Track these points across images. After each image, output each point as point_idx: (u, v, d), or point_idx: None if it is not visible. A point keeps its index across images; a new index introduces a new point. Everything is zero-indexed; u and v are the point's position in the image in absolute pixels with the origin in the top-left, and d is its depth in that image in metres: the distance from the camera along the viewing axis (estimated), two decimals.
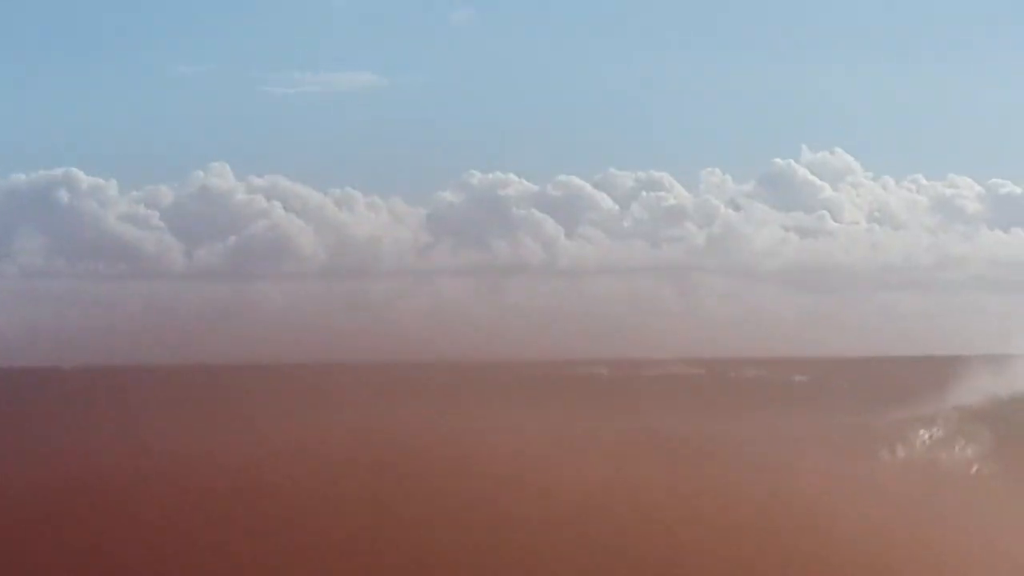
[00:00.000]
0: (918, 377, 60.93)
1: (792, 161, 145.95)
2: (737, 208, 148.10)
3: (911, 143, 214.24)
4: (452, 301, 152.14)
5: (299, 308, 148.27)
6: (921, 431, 37.02)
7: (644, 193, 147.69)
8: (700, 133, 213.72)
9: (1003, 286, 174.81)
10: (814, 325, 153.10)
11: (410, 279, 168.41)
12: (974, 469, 23.61)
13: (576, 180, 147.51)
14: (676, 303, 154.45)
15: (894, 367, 78.10)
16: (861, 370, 64.31)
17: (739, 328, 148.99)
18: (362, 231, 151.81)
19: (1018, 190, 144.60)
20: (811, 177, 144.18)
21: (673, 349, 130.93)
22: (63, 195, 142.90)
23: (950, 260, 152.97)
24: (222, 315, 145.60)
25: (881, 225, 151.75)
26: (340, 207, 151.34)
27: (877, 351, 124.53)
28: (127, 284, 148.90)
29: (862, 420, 39.08)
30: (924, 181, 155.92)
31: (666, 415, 42.08)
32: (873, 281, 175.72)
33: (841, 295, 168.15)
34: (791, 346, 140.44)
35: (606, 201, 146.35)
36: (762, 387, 46.97)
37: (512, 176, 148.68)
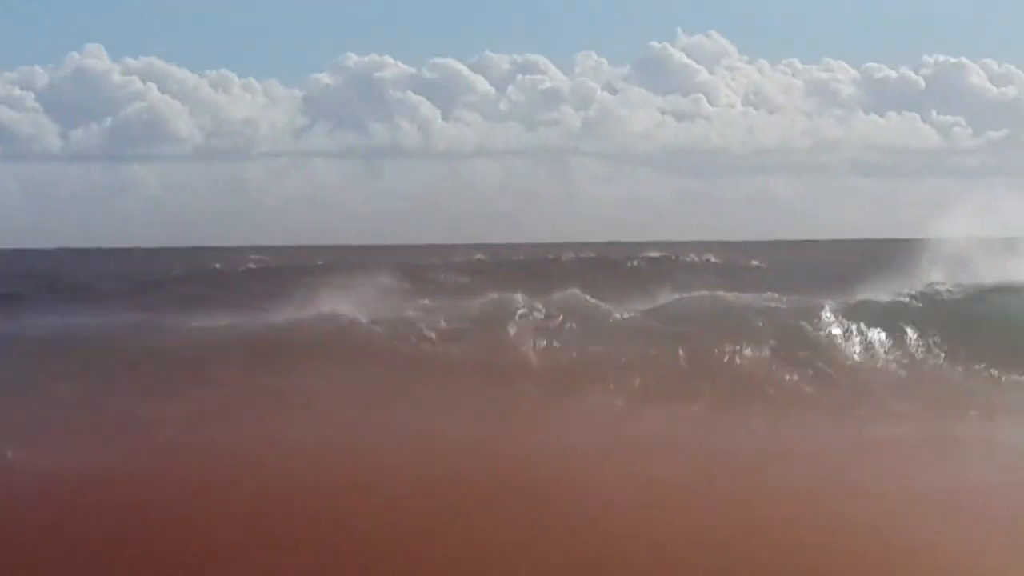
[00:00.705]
0: (819, 261, 60.01)
1: (668, 44, 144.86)
2: (614, 91, 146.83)
3: (786, 27, 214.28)
4: (328, 184, 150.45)
5: (175, 190, 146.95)
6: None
7: (520, 76, 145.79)
8: (575, 16, 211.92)
9: (877, 170, 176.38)
10: (692, 208, 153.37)
11: (286, 162, 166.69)
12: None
13: (452, 62, 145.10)
14: (553, 186, 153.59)
15: (776, 250, 77.46)
16: (753, 253, 63.49)
17: (619, 212, 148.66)
18: (238, 113, 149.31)
19: (893, 74, 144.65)
20: (687, 60, 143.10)
21: (550, 234, 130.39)
22: None
23: (825, 144, 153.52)
24: (99, 197, 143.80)
25: (757, 109, 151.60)
26: (216, 89, 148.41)
27: (754, 235, 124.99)
28: (1, 166, 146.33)
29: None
30: (799, 65, 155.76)
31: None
32: (749, 164, 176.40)
33: (717, 179, 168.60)
34: (671, 230, 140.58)
35: (482, 84, 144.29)
36: (666, 268, 45.73)
37: (388, 58, 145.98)
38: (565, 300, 22.50)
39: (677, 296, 23.76)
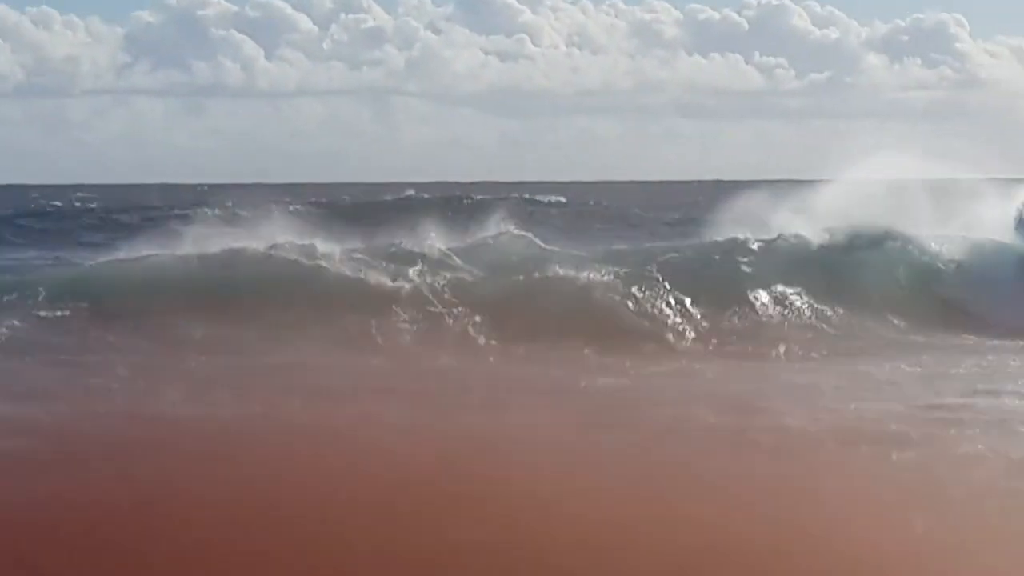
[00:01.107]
0: (648, 201, 60.09)
1: None
2: (437, 31, 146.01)
3: None
4: (151, 122, 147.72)
5: None
6: None
7: (343, 15, 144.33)
8: None
9: (701, 111, 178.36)
10: (516, 150, 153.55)
11: (109, 100, 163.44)
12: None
13: (275, 0, 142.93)
14: (376, 126, 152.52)
15: (606, 192, 77.63)
16: (588, 194, 63.44)
17: (440, 153, 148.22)
18: (60, 51, 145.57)
19: (716, 16, 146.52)
20: (510, 0, 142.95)
21: (373, 173, 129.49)
22: None
23: (648, 85, 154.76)
24: None
25: (580, 50, 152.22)
26: (37, 26, 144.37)
27: (579, 176, 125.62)
28: None
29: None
30: (622, 6, 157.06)
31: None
32: (573, 105, 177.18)
33: (540, 119, 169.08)
34: (494, 171, 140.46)
35: (305, 22, 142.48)
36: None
37: None
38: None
39: None
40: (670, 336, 19.00)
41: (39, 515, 9.06)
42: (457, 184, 78.96)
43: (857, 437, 11.35)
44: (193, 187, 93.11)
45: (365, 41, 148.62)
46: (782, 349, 18.55)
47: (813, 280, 21.08)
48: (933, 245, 22.94)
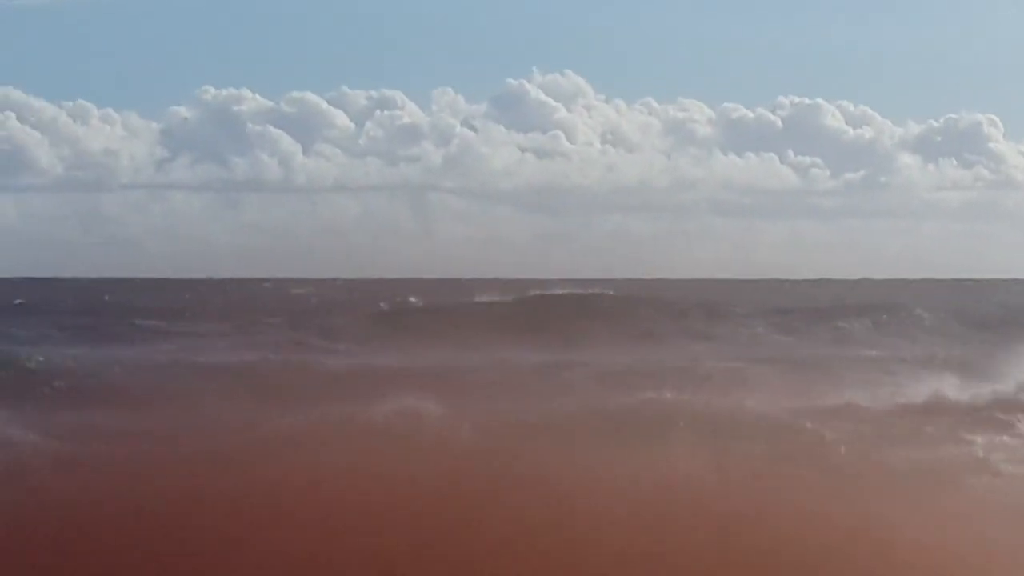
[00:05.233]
0: (684, 300, 60.51)
1: (524, 82, 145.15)
2: (473, 128, 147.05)
3: (640, 66, 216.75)
4: (188, 217, 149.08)
5: (35, 222, 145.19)
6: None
7: (378, 112, 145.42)
8: (430, 52, 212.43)
9: (735, 210, 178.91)
10: (553, 247, 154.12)
11: (146, 194, 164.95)
12: None
13: (311, 96, 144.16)
14: (412, 223, 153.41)
15: (637, 288, 78.01)
16: (631, 289, 63.97)
17: (479, 249, 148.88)
18: (97, 144, 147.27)
19: (750, 114, 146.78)
20: (544, 98, 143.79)
21: (408, 269, 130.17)
22: None
23: (683, 183, 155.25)
24: None
25: (615, 147, 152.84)
26: (75, 120, 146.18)
27: (611, 274, 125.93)
28: None
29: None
30: (655, 104, 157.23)
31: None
32: (608, 203, 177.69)
33: (576, 217, 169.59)
34: (529, 268, 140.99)
35: (341, 118, 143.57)
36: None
37: (246, 91, 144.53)
38: None
39: None
40: None
41: None
42: (502, 281, 79.87)
43: None
44: (230, 280, 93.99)
45: (401, 137, 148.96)
46: None
47: None
48: None
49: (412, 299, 62.96)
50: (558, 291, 58.20)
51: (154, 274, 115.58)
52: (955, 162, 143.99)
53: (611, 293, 53.91)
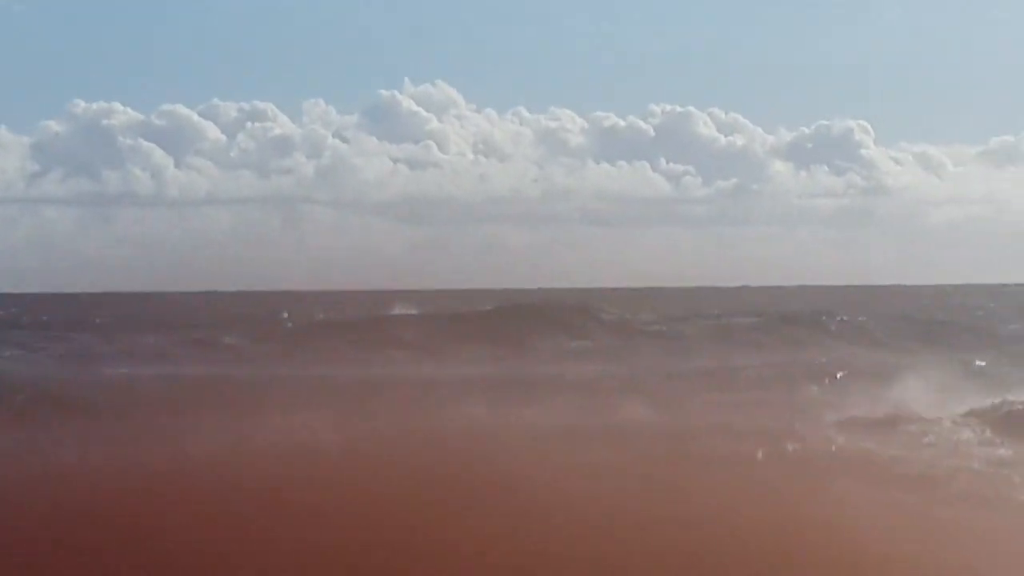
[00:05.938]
0: (568, 307, 60.86)
1: (396, 92, 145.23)
2: (344, 139, 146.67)
3: (510, 76, 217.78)
4: (61, 232, 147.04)
5: None
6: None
7: (250, 123, 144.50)
8: (301, 63, 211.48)
9: (608, 218, 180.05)
10: (424, 258, 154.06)
11: (17, 209, 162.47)
12: None
13: (182, 109, 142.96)
14: (286, 235, 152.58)
15: (517, 297, 78.33)
16: (500, 300, 64.20)
17: (349, 261, 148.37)
18: None
19: (622, 123, 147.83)
20: (416, 108, 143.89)
21: (281, 281, 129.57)
22: None
23: (556, 193, 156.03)
24: None
25: (487, 157, 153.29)
26: None
27: (487, 283, 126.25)
28: None
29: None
30: (527, 114, 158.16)
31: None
32: (481, 213, 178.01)
33: (449, 227, 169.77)
34: (403, 279, 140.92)
35: (213, 130, 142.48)
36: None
37: (117, 105, 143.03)
38: None
39: None
40: None
41: None
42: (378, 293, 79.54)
43: None
44: (101, 295, 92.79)
45: (273, 149, 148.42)
46: None
47: None
48: None
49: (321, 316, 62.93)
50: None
51: (25, 289, 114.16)
52: (827, 169, 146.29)
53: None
